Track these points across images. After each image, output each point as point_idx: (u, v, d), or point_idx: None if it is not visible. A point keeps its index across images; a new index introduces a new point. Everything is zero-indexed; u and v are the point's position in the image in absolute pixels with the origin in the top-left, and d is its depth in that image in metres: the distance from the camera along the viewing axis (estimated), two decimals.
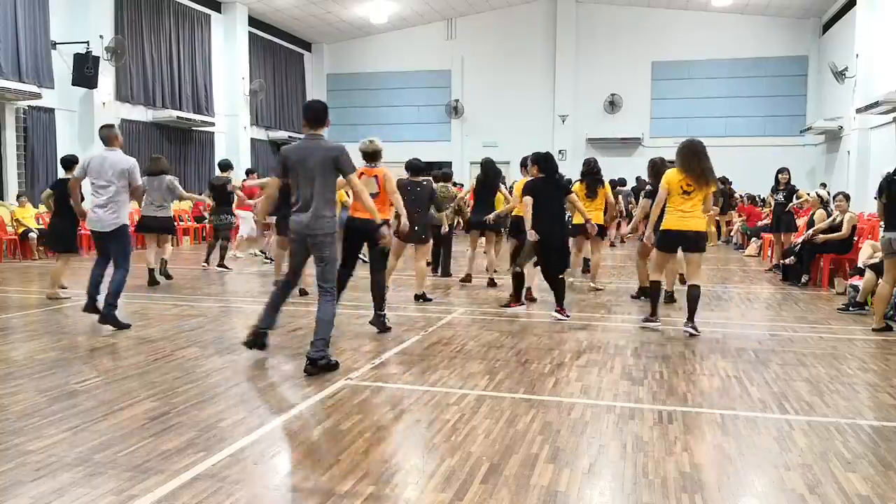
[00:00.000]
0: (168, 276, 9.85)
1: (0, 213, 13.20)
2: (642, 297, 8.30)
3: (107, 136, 6.85)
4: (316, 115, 5.22)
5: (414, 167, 8.33)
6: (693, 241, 6.55)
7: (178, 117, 17.83)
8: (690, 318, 6.50)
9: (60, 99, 14.83)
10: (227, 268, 11.27)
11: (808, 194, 12.04)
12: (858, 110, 16.33)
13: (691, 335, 6.43)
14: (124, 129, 16.62)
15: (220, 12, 20.17)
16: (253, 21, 21.21)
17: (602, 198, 9.36)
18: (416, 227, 7.83)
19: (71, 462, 3.41)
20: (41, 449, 3.57)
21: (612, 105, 23.33)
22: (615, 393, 4.70)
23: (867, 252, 8.64)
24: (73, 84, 14.70)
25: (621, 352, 5.89)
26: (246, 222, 13.14)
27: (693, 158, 6.47)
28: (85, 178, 6.87)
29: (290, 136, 22.18)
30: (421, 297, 8.25)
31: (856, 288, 8.00)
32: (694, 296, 6.50)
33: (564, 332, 6.65)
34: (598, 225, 9.30)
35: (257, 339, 5.45)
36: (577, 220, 8.97)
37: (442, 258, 10.75)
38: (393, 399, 4.52)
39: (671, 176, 6.57)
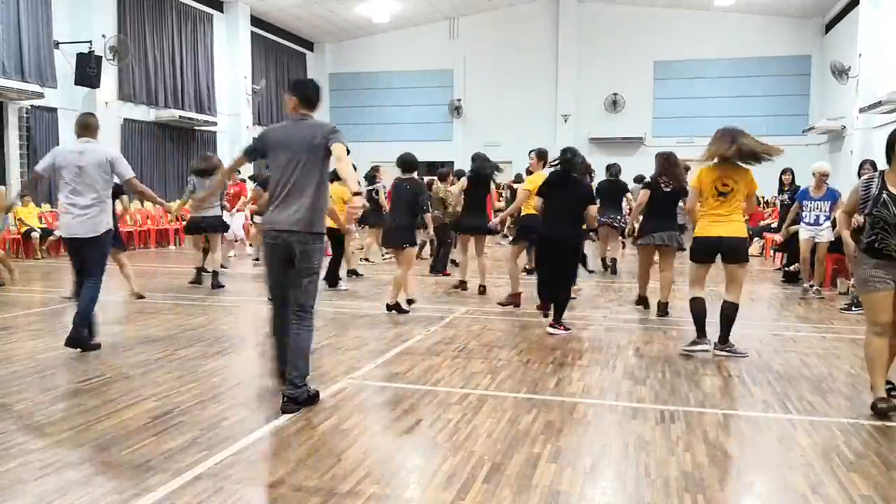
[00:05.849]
0: (218, 286, 9.19)
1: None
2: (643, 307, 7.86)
3: (85, 122, 5.68)
4: (310, 94, 4.34)
5: (402, 162, 7.62)
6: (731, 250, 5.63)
7: (180, 117, 17.85)
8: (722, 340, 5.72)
9: (63, 98, 14.83)
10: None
11: None
12: (861, 110, 16.29)
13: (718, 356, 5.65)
14: (127, 129, 16.67)
15: (223, 12, 20.18)
16: (255, 20, 21.24)
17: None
18: (396, 230, 7.36)
19: (74, 461, 3.42)
20: (44, 448, 3.58)
21: (615, 105, 23.30)
22: (617, 392, 4.70)
23: None
24: (75, 83, 14.72)
25: (623, 351, 5.89)
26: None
27: (725, 138, 5.46)
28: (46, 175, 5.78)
29: None
30: (395, 307, 7.36)
31: None
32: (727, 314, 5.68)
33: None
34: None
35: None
36: None
37: (440, 254, 10.81)
38: (395, 398, 4.53)
39: (703, 174, 5.61)
